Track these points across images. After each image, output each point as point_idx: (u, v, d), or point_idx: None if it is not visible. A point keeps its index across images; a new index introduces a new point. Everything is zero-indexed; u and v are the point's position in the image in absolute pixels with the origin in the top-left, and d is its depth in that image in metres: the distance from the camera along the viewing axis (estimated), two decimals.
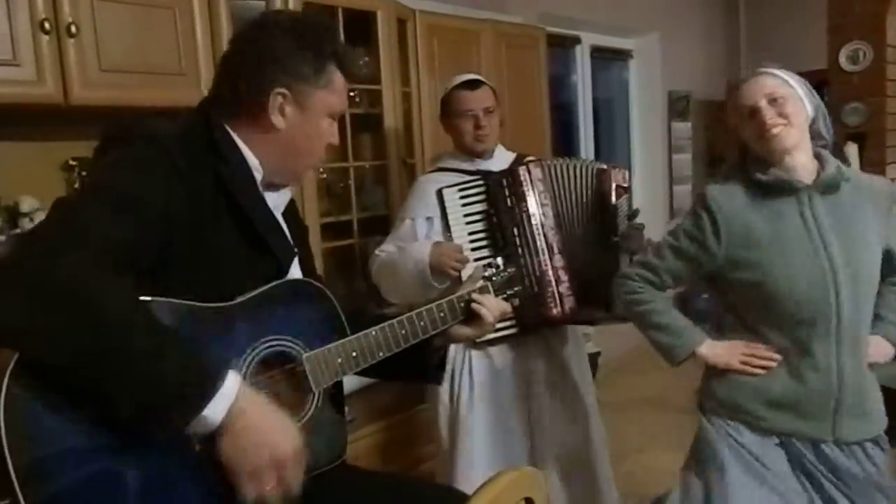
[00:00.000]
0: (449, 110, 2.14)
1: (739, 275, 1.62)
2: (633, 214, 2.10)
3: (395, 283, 2.04)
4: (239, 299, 1.11)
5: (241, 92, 1.17)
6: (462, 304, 1.36)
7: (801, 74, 1.62)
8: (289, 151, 1.21)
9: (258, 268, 1.17)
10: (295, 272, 1.26)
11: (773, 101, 1.56)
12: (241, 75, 1.17)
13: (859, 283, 1.57)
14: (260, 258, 1.17)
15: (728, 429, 1.67)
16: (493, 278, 1.44)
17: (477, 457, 2.08)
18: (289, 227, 1.28)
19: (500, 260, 1.50)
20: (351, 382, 2.45)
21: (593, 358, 3.74)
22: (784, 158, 1.58)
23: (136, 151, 1.07)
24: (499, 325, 1.98)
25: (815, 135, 1.62)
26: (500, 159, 2.17)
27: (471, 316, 1.37)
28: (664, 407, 4.11)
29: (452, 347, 2.11)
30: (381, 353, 1.23)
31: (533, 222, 1.98)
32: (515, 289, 1.48)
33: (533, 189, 2.00)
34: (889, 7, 3.30)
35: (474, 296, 1.36)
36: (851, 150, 3.43)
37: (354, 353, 1.21)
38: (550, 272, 1.97)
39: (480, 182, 2.06)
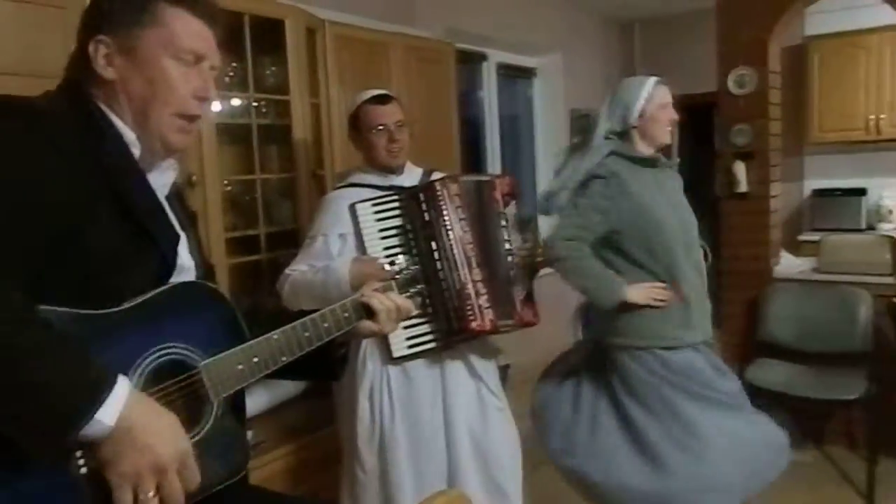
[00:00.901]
0: (360, 125, 2.10)
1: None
2: (526, 221, 2.20)
3: (313, 303, 1.99)
4: (126, 305, 1.02)
5: (76, 52, 1.10)
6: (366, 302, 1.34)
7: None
8: (137, 106, 1.09)
9: (143, 259, 1.08)
10: (184, 262, 1.17)
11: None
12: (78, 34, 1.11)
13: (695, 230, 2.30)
14: (145, 248, 1.08)
15: (656, 358, 2.21)
16: (397, 276, 1.42)
17: (400, 475, 2.04)
18: (175, 212, 1.19)
19: (401, 258, 1.48)
20: (258, 404, 2.37)
21: (503, 371, 3.78)
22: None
23: (7, 129, 0.96)
24: (418, 341, 1.97)
25: None
26: (411, 174, 2.16)
27: (373, 312, 1.33)
28: None
29: (370, 365, 2.08)
30: (284, 358, 1.16)
31: (451, 237, 1.96)
32: (419, 286, 1.46)
33: (450, 204, 1.99)
34: (771, 36, 3.55)
35: (365, 291, 1.32)
36: (739, 167, 3.64)
37: (256, 359, 1.13)
38: (470, 285, 1.95)
39: (395, 197, 2.03)
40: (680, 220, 2.27)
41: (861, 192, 5.21)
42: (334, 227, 2.04)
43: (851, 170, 5.36)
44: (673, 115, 2.29)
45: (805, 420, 3.63)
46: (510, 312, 2.02)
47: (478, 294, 1.96)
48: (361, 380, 2.08)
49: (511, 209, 2.10)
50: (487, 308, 1.96)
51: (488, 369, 2.18)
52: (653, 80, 2.29)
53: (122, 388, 0.92)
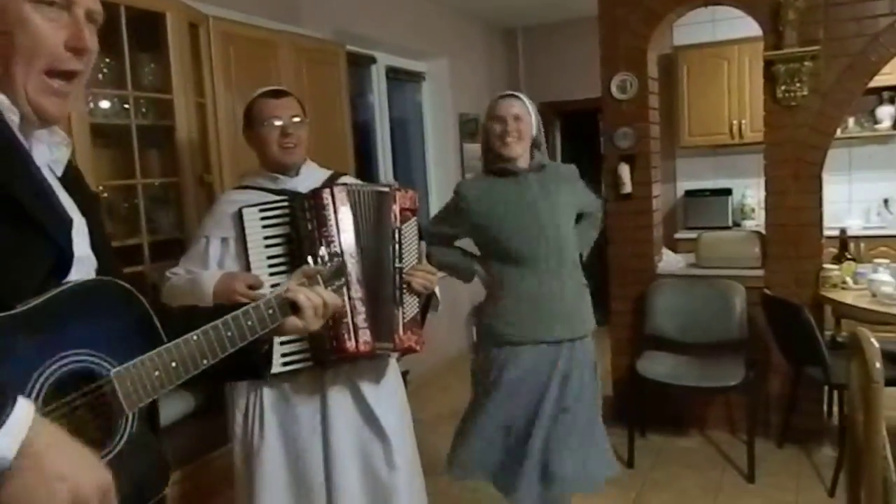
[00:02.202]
0: (253, 120, 1.96)
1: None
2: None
3: None
4: (17, 309, 0.88)
5: None
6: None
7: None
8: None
9: (31, 251, 0.92)
10: (82, 253, 1.01)
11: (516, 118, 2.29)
12: None
13: (560, 231, 2.31)
14: (33, 238, 0.92)
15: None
16: (322, 269, 1.32)
17: (272, 496, 1.90)
18: (71, 194, 1.04)
19: (323, 251, 1.39)
20: None
21: (402, 376, 3.73)
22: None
23: None
24: (293, 358, 1.83)
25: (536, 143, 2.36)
26: (310, 177, 1.99)
27: (299, 308, 1.23)
28: None
29: (242, 384, 1.94)
30: (205, 361, 1.05)
31: (335, 249, 1.81)
32: (343, 279, 1.39)
33: (336, 213, 1.84)
34: (649, 43, 3.73)
35: (290, 286, 1.22)
36: (624, 170, 3.80)
37: (174, 363, 1.01)
38: (347, 303, 1.79)
39: (285, 203, 1.87)
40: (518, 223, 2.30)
41: (727, 192, 5.61)
42: (217, 230, 1.91)
43: (718, 171, 5.77)
44: (503, 127, 2.26)
45: (689, 407, 3.84)
46: (389, 335, 1.87)
47: (354, 313, 1.80)
48: (237, 396, 1.95)
49: (411, 225, 1.96)
50: (364, 328, 1.81)
51: (380, 388, 2.00)
52: (498, 95, 2.37)
53: (23, 411, 0.78)
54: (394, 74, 5.07)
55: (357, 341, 1.80)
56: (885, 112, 5.09)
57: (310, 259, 1.33)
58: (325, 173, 2.05)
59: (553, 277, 2.30)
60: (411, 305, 1.94)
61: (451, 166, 5.56)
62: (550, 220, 2.29)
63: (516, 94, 2.35)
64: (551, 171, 2.40)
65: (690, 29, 5.30)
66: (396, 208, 1.92)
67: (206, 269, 1.89)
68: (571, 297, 2.34)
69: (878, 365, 1.48)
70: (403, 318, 1.90)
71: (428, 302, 2.02)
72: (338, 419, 1.93)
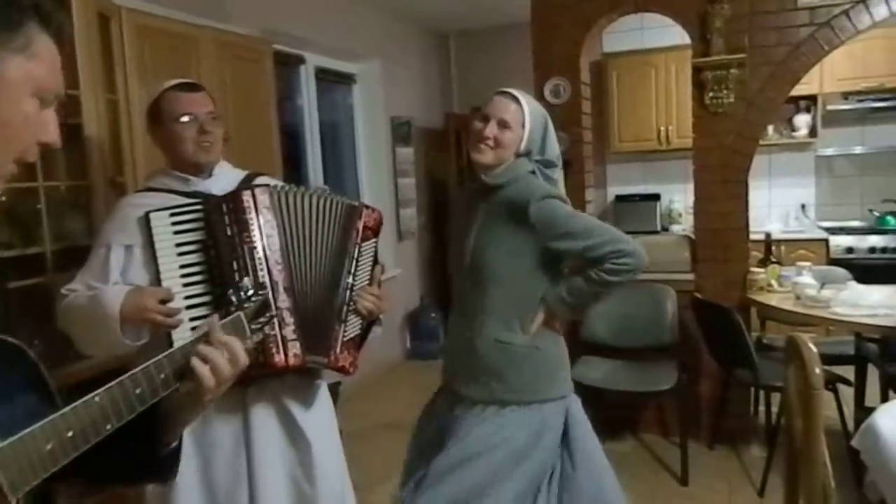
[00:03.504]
0: (162, 115, 1.77)
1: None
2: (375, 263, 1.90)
3: (87, 335, 1.65)
4: None
5: None
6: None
7: None
8: None
9: None
10: None
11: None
12: None
13: (484, 271, 1.93)
14: None
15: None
16: (245, 306, 1.14)
17: None
18: None
19: (247, 281, 1.23)
20: None
21: (334, 388, 3.60)
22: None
23: None
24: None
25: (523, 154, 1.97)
26: (224, 178, 1.84)
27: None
28: (403, 431, 4.11)
29: None
30: (108, 426, 0.86)
31: (256, 255, 1.67)
32: (267, 315, 1.19)
33: (258, 217, 1.70)
34: (582, 49, 3.74)
35: (200, 348, 1.00)
36: (559, 175, 3.78)
37: (71, 433, 0.82)
38: (274, 313, 1.63)
39: (199, 206, 1.70)
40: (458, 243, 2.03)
41: (655, 197, 5.72)
42: (120, 237, 1.70)
43: (647, 177, 5.87)
44: (482, 128, 1.94)
45: (623, 411, 3.86)
46: (325, 350, 1.75)
47: (283, 324, 1.67)
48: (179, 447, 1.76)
49: (370, 246, 1.85)
50: (293, 340, 1.68)
51: (307, 403, 1.87)
52: (498, 90, 2.03)
53: None
54: (324, 75, 4.93)
55: (286, 354, 1.67)
56: (801, 120, 5.29)
57: (231, 294, 1.17)
58: (239, 174, 1.89)
59: (467, 325, 1.98)
60: (353, 325, 1.82)
61: (383, 171, 5.45)
62: (478, 255, 1.93)
63: (517, 94, 1.95)
64: (513, 191, 1.92)
65: (620, 36, 5.38)
66: (360, 224, 1.82)
67: (108, 281, 1.69)
68: (483, 355, 1.95)
69: (817, 371, 1.47)
70: (344, 335, 1.78)
71: (369, 327, 1.90)
72: (262, 440, 1.78)
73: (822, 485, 1.50)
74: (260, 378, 1.72)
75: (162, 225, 1.67)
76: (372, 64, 5.27)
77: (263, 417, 1.79)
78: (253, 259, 1.67)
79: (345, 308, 1.78)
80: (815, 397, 1.48)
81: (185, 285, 1.65)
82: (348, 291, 1.79)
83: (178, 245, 1.67)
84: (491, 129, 1.91)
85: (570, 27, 3.74)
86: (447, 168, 5.99)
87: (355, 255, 1.80)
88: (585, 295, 1.90)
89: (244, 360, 1.05)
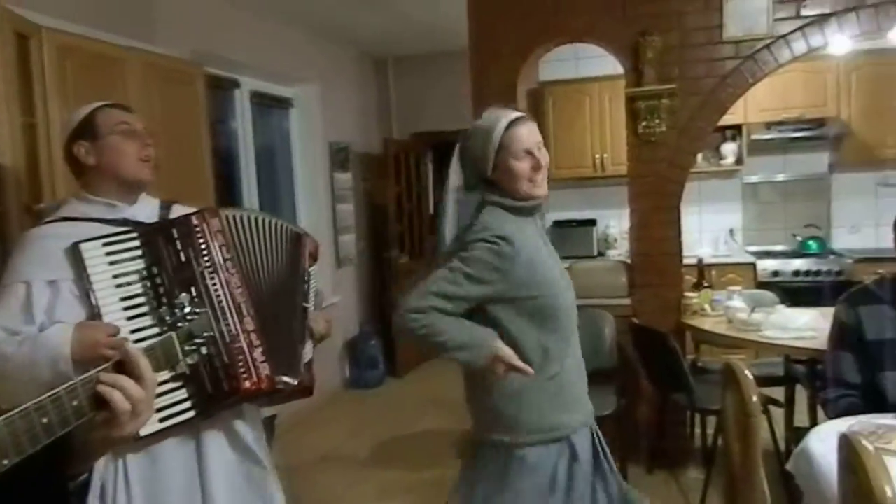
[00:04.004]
0: (99, 129, 1.64)
1: (525, 292, 1.75)
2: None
3: (18, 386, 1.47)
4: None
5: None
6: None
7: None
8: None
9: None
10: None
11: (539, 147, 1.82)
12: None
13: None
14: None
15: (535, 455, 1.76)
16: (179, 325, 1.07)
17: None
18: None
19: (184, 297, 1.15)
20: None
21: (270, 421, 3.47)
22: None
23: None
24: (173, 411, 1.52)
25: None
26: (147, 206, 1.74)
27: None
28: (343, 463, 4.02)
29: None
30: (5, 461, 0.78)
31: (216, 280, 1.61)
32: (206, 334, 1.11)
33: (212, 241, 1.64)
34: (518, 78, 3.79)
35: (104, 375, 0.91)
36: None
37: None
38: (242, 337, 1.59)
39: (134, 234, 1.60)
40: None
41: (592, 222, 5.81)
42: (41, 272, 1.55)
43: (583, 202, 5.97)
44: (534, 163, 1.78)
45: None
46: (294, 370, 1.70)
47: (251, 346, 1.61)
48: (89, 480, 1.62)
49: (314, 271, 1.85)
50: (263, 362, 1.61)
51: (258, 436, 1.79)
52: (512, 118, 1.81)
53: None
54: (259, 99, 4.84)
55: (258, 377, 1.58)
56: (728, 149, 5.49)
57: (165, 314, 1.09)
58: (155, 202, 1.79)
59: (578, 358, 1.90)
60: (309, 348, 1.81)
61: (320, 196, 5.37)
62: (569, 286, 1.89)
63: (525, 113, 1.85)
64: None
65: (556, 65, 5.48)
66: (307, 249, 1.81)
67: (33, 322, 1.53)
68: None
69: (754, 398, 1.49)
70: (304, 357, 1.77)
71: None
72: (218, 478, 1.66)
73: None
74: (219, 409, 1.61)
75: (96, 256, 1.55)
76: (309, 88, 5.21)
77: (217, 450, 1.67)
78: (213, 284, 1.60)
79: (305, 331, 1.77)
80: (753, 424, 1.50)
81: (130, 318, 1.53)
82: (305, 314, 1.77)
83: (116, 276, 1.55)
84: (544, 157, 1.79)
85: (508, 55, 3.79)
86: (386, 193, 5.94)
87: (307, 279, 1.79)
88: None
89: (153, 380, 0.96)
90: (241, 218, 1.73)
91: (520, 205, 1.79)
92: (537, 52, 3.84)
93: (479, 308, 1.78)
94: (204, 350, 1.11)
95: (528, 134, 1.78)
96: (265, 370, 1.60)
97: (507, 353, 1.72)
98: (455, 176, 1.87)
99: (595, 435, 1.89)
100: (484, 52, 3.82)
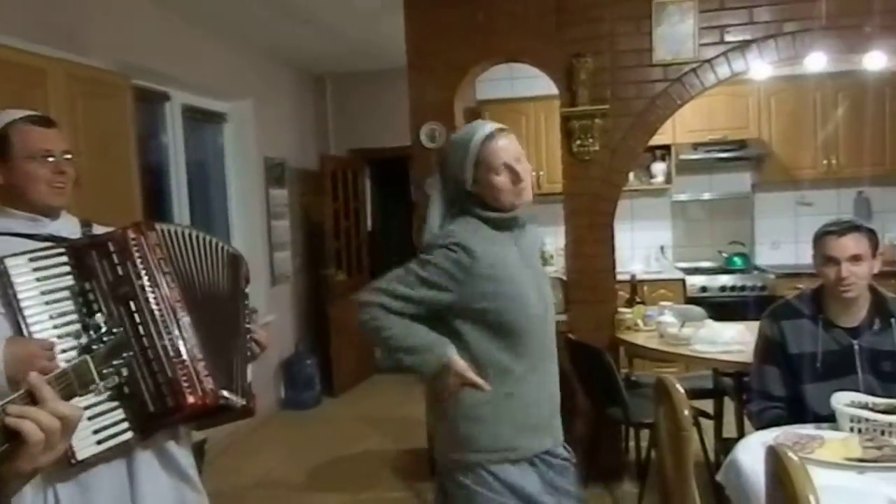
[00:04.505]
0: (11, 151, 1.59)
1: (484, 304, 1.72)
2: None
3: None
4: None
5: None
6: None
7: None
8: None
9: None
10: None
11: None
12: None
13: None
14: None
15: (492, 475, 1.71)
16: (94, 347, 1.02)
17: None
18: None
19: (99, 317, 1.10)
20: None
21: (199, 446, 3.35)
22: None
23: None
24: (111, 432, 1.45)
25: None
26: (68, 223, 1.70)
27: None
28: (278, 488, 3.91)
29: (27, 487, 1.48)
30: None
31: (157, 294, 1.56)
32: (124, 355, 1.06)
33: (151, 255, 1.59)
34: (455, 95, 3.82)
35: (10, 408, 0.85)
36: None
37: None
38: (185, 352, 1.55)
39: (62, 249, 1.55)
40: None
41: None
42: None
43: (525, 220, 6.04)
44: (513, 176, 1.77)
45: None
46: (239, 389, 1.64)
47: (195, 360, 1.56)
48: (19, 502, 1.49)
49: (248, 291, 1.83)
50: (207, 376, 1.56)
51: (189, 458, 1.73)
52: (490, 131, 1.80)
53: None
54: (191, 114, 4.71)
55: (203, 391, 1.53)
56: (658, 168, 5.67)
57: (82, 337, 1.04)
58: (75, 220, 1.74)
59: (550, 375, 1.86)
60: (250, 369, 1.76)
61: (255, 213, 5.26)
62: (547, 302, 1.85)
63: (503, 126, 1.83)
64: (531, 228, 1.93)
65: (493, 84, 5.55)
66: (243, 272, 1.80)
67: None
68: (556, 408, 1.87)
69: (686, 412, 1.52)
70: (248, 377, 1.72)
71: None
72: (148, 500, 1.58)
73: None
74: (157, 429, 1.55)
75: (22, 272, 1.48)
76: (243, 103, 5.12)
77: (152, 475, 1.60)
78: (153, 299, 1.55)
79: (248, 351, 1.73)
80: (685, 438, 1.53)
81: (61, 337, 1.46)
82: (247, 334, 1.74)
83: (45, 293, 1.49)
84: (524, 169, 1.78)
85: (444, 74, 3.81)
86: (323, 210, 5.87)
87: (246, 300, 1.77)
88: None
89: (69, 413, 0.91)
90: (178, 233, 1.69)
91: (494, 216, 1.77)
92: (474, 70, 3.88)
93: (440, 318, 1.76)
94: (125, 371, 1.06)
95: (506, 147, 1.76)
96: (209, 384, 1.55)
97: (460, 364, 1.70)
98: (434, 192, 1.87)
99: (565, 461, 1.86)
100: (421, 69, 3.83)
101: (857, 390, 2.12)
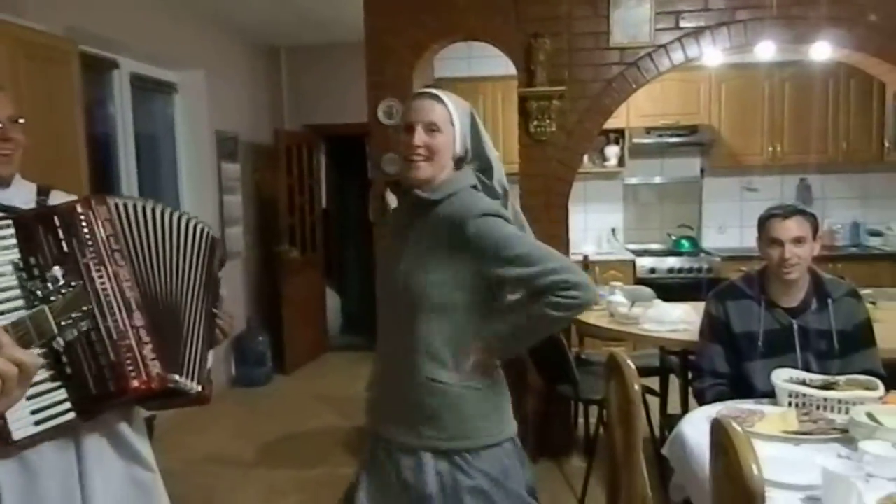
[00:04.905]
0: None
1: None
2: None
3: None
4: None
5: None
6: None
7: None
8: None
9: None
10: None
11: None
12: None
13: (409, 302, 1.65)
14: None
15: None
16: (52, 298, 0.99)
17: None
18: None
19: (57, 270, 1.06)
20: None
21: (149, 422, 3.29)
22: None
23: None
24: (51, 412, 1.40)
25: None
26: (21, 191, 1.63)
27: None
28: (229, 465, 3.88)
29: None
30: None
31: (102, 273, 1.49)
32: (84, 308, 1.03)
33: (99, 230, 1.52)
34: (414, 72, 3.80)
35: None
36: (390, 196, 3.78)
37: None
38: (130, 333, 1.49)
39: (8, 220, 1.46)
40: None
41: None
42: None
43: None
44: (409, 140, 1.67)
45: None
46: (197, 375, 1.59)
47: (140, 343, 1.50)
48: None
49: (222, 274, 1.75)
50: (153, 360, 1.51)
51: (143, 438, 1.68)
52: (415, 93, 1.78)
53: None
54: (141, 83, 4.57)
55: (148, 375, 1.48)
56: (611, 151, 5.76)
57: (36, 289, 1.01)
58: (31, 186, 1.67)
59: (396, 364, 1.74)
60: (212, 355, 1.70)
61: (207, 187, 5.15)
62: (410, 284, 1.66)
63: (437, 92, 1.73)
64: (451, 208, 1.66)
65: (450, 63, 5.54)
66: (218, 256, 1.70)
67: None
68: (414, 397, 1.69)
69: (636, 387, 1.57)
70: (209, 363, 1.65)
71: None
72: (102, 486, 1.54)
73: (641, 491, 1.60)
74: (101, 411, 1.50)
75: None
76: (195, 74, 4.98)
77: (101, 456, 1.56)
78: (99, 276, 1.48)
79: (212, 337, 1.67)
80: (635, 411, 1.58)
81: (3, 314, 1.37)
82: (213, 320, 1.67)
83: None
84: (420, 137, 1.65)
85: (403, 50, 3.78)
86: (277, 185, 5.79)
87: (217, 285, 1.69)
88: (526, 331, 1.66)
89: (27, 360, 0.91)
90: (136, 208, 1.59)
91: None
92: (432, 48, 3.86)
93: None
94: (84, 325, 1.04)
95: (420, 107, 1.68)
96: (156, 368, 1.50)
97: None
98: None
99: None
100: (379, 45, 3.80)
101: (796, 367, 2.23)
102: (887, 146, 5.37)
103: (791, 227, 2.26)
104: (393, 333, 1.72)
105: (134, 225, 1.58)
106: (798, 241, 2.26)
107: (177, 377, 1.54)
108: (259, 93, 5.97)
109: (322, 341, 6.43)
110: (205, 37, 5.07)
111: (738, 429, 1.20)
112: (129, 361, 1.47)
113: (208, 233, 1.70)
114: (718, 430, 1.27)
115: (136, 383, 1.47)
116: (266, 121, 6.04)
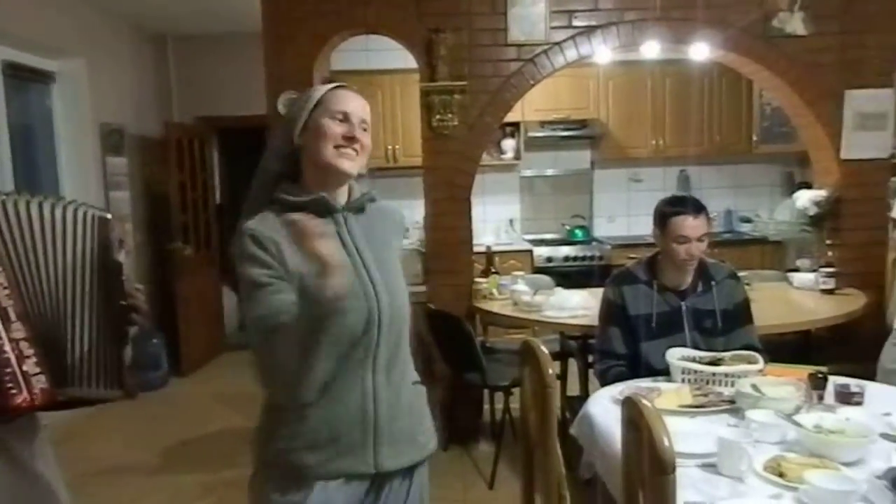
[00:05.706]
0: None
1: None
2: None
3: None
4: None
5: None
6: None
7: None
8: None
9: None
10: None
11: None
12: None
13: (395, 299, 1.58)
14: None
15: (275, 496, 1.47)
16: None
17: None
18: None
19: None
20: None
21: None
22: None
23: None
24: None
25: None
26: None
27: None
28: (130, 473, 3.71)
29: None
30: None
31: None
32: None
33: None
34: (315, 64, 3.75)
35: None
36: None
37: None
38: (9, 347, 1.39)
39: None
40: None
41: None
42: None
43: (381, 194, 6.05)
44: (348, 130, 1.51)
45: None
46: (112, 379, 1.51)
47: (21, 357, 1.41)
48: None
49: (124, 258, 1.58)
50: (37, 375, 1.42)
51: (37, 451, 1.56)
52: (334, 85, 1.59)
53: None
54: (14, 71, 4.24)
55: (30, 392, 1.39)
56: (508, 145, 5.93)
57: None
58: None
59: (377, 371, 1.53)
60: (129, 350, 1.57)
61: (90, 182, 4.86)
62: (389, 291, 1.55)
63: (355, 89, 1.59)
64: (382, 204, 1.66)
65: (347, 55, 5.48)
66: (116, 237, 1.54)
67: None
68: (406, 410, 1.59)
69: (550, 371, 1.65)
70: (126, 360, 1.54)
71: None
72: None
73: (557, 469, 1.69)
74: None
75: None
76: (75, 62, 4.68)
77: None
78: None
79: (125, 332, 1.54)
80: (549, 394, 1.67)
81: None
82: (124, 312, 1.54)
83: None
84: (357, 131, 1.50)
85: (303, 41, 3.73)
86: (168, 181, 5.54)
87: (120, 271, 1.54)
88: None
89: None
90: (7, 205, 1.46)
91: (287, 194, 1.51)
92: (333, 40, 3.83)
93: None
94: None
95: (353, 102, 1.53)
96: (40, 384, 1.42)
97: None
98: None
99: None
100: (277, 36, 3.72)
101: (685, 346, 2.41)
102: (755, 139, 5.84)
103: (699, 226, 2.44)
104: (371, 353, 1.51)
105: (12, 225, 1.46)
106: (702, 238, 2.44)
107: (69, 389, 1.46)
108: (146, 83, 5.69)
109: (219, 341, 6.24)
110: (84, 22, 4.77)
111: (650, 404, 1.30)
112: (7, 378, 1.38)
113: (95, 217, 1.53)
114: (630, 407, 1.37)
115: (17, 401, 1.38)
116: (154, 113, 5.76)
